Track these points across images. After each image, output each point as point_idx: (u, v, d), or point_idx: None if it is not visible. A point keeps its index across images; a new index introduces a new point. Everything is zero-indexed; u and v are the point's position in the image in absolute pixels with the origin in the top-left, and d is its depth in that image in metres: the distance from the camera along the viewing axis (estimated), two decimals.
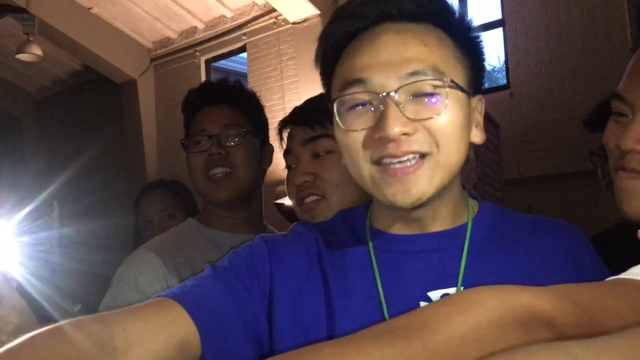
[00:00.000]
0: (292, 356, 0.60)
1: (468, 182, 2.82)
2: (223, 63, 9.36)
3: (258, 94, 1.72)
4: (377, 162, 0.82)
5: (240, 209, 1.58)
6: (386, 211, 0.92)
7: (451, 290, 0.85)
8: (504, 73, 6.81)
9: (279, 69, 7.54)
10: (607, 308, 0.62)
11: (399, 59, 0.81)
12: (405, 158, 0.80)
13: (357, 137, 0.83)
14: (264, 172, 1.68)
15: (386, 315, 0.85)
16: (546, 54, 6.23)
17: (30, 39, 7.52)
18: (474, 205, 0.95)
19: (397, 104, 0.80)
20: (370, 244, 0.92)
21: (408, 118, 0.80)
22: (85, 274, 2.19)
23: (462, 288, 0.84)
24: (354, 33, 0.87)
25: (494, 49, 10.70)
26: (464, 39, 0.87)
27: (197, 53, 8.63)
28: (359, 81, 0.82)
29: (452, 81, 0.81)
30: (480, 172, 4.67)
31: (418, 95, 0.81)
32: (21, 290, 1.21)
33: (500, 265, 0.87)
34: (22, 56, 7.72)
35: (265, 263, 0.93)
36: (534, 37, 6.34)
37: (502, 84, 6.65)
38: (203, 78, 8.69)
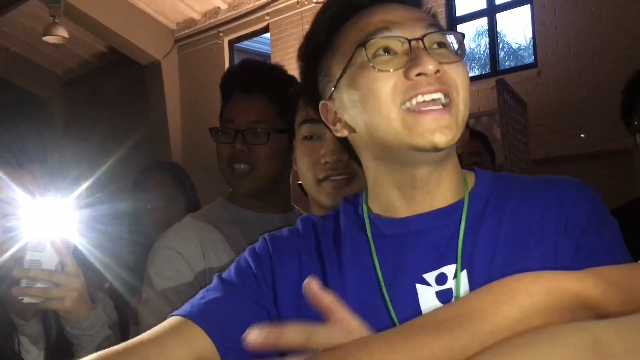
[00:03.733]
0: (340, 350, 0.60)
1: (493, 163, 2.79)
2: (246, 44, 9.35)
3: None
4: (410, 102, 0.83)
5: (266, 196, 1.59)
6: (386, 190, 0.91)
7: (449, 268, 0.84)
8: (531, 51, 6.69)
9: None
10: None
11: (415, 16, 0.88)
12: (437, 96, 0.83)
13: (388, 80, 0.84)
14: (291, 162, 1.68)
15: (388, 302, 0.84)
16: (575, 32, 6.10)
17: (56, 21, 7.59)
18: (469, 180, 0.94)
19: (425, 48, 0.84)
20: (369, 231, 0.91)
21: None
22: (140, 244, 2.26)
23: (461, 265, 0.83)
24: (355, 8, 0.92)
25: (520, 27, 10.52)
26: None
27: (221, 34, 8.64)
28: (385, 29, 0.86)
29: (464, 38, 0.89)
30: (507, 151, 4.61)
31: (440, 44, 0.87)
32: (78, 260, 1.26)
33: (491, 235, 0.85)
34: (48, 38, 7.81)
35: (267, 262, 0.94)
36: (562, 14, 6.21)
37: (529, 62, 6.54)
38: (226, 59, 8.70)
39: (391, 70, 0.84)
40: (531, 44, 6.76)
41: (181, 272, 1.45)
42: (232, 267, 0.96)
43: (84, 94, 10.55)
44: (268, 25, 8.10)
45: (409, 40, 0.84)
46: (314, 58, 0.96)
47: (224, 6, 8.48)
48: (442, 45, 0.87)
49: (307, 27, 1.05)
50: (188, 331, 0.84)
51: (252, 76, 1.60)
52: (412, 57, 0.83)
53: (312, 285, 0.71)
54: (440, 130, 0.82)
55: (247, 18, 8.29)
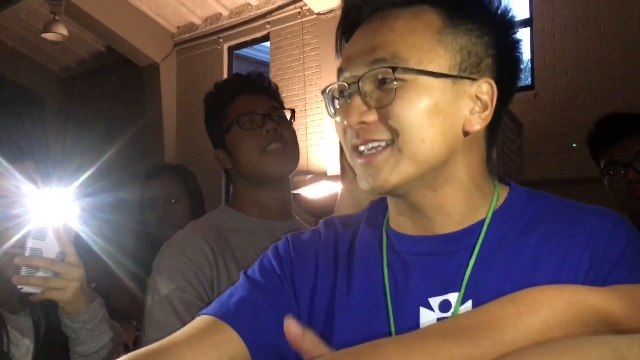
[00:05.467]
0: (357, 351, 0.60)
1: None
2: (246, 51, 9.36)
3: (278, 83, 1.84)
4: (354, 149, 0.84)
5: (279, 191, 1.64)
6: (392, 207, 0.91)
7: (453, 296, 0.80)
8: (529, 73, 6.73)
9: (302, 59, 7.51)
10: None
11: (367, 47, 0.82)
12: (370, 146, 0.81)
13: (338, 127, 0.86)
14: None
15: (390, 318, 0.82)
16: (573, 56, 6.14)
17: (57, 18, 7.58)
18: (501, 195, 0.87)
19: (362, 93, 0.81)
20: (385, 242, 0.89)
21: (368, 106, 0.81)
22: (141, 233, 2.30)
23: (463, 295, 0.79)
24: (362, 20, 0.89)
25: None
26: (465, 17, 0.83)
27: (221, 40, 8.64)
28: (340, 71, 0.85)
29: (409, 68, 0.78)
30: (502, 172, 4.62)
31: (379, 83, 0.81)
32: (79, 249, 1.25)
33: (505, 267, 0.80)
34: (47, 35, 7.79)
35: (289, 263, 0.93)
36: (561, 39, 6.25)
37: (526, 84, 6.57)
38: (225, 65, 8.70)
39: (338, 119, 0.86)
40: (529, 66, 6.79)
41: (189, 281, 1.44)
42: (256, 266, 0.95)
43: (80, 93, 10.53)
44: (268, 33, 8.11)
45: (347, 85, 0.84)
46: None
47: (225, 12, 8.49)
48: (382, 82, 0.80)
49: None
50: (220, 331, 0.84)
51: (249, 80, 1.70)
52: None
53: (291, 326, 0.67)
54: (367, 177, 0.82)
55: (248, 25, 8.29)
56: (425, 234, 0.86)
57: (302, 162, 7.01)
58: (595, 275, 0.76)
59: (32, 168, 1.28)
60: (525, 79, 6.61)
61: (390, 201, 0.91)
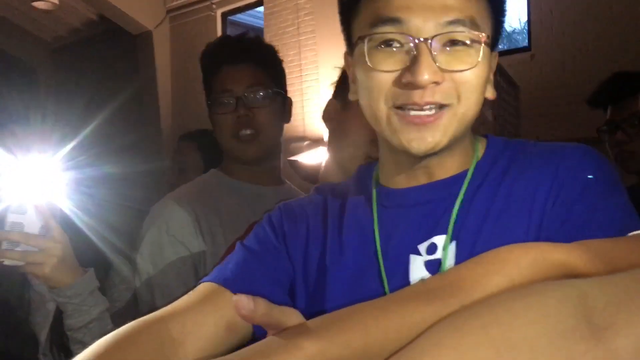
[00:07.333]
0: (335, 316, 0.61)
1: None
2: (239, 17, 9.25)
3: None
4: (398, 107, 0.81)
5: (264, 163, 1.62)
6: (390, 163, 0.92)
7: (440, 239, 0.84)
8: (525, 35, 6.67)
9: (296, 24, 7.43)
10: (632, 264, 0.62)
11: (439, 5, 0.78)
12: (428, 107, 0.80)
13: (382, 78, 0.81)
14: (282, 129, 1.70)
15: (382, 270, 0.85)
16: (570, 16, 6.08)
17: None
18: (480, 148, 0.92)
19: (431, 52, 0.78)
20: (374, 200, 0.92)
21: (439, 67, 0.79)
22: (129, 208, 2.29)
23: (451, 236, 0.83)
24: None
25: (515, 10, 10.48)
26: None
27: (214, 6, 8.53)
28: (394, 20, 0.79)
29: (487, 37, 0.81)
30: (498, 133, 4.62)
31: (453, 45, 0.80)
32: (63, 224, 1.24)
33: (483, 206, 0.84)
34: (38, 4, 7.69)
35: (281, 231, 0.96)
36: None
37: (522, 46, 6.52)
38: (219, 32, 8.60)
39: (387, 70, 0.80)
40: (525, 27, 6.73)
41: (171, 258, 1.45)
42: (252, 236, 0.97)
43: (73, 62, 10.42)
44: None
45: (416, 40, 0.78)
46: (344, 10, 0.91)
47: None
48: (460, 43, 0.80)
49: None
50: (219, 296, 0.86)
51: (238, 47, 1.64)
52: (412, 60, 0.78)
53: (239, 302, 0.59)
54: (419, 140, 0.81)
55: None
56: (421, 184, 0.89)
57: (299, 129, 7.00)
58: (562, 205, 0.79)
59: (10, 138, 1.25)
60: (522, 40, 6.56)
61: (391, 158, 0.92)
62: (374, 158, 1.06)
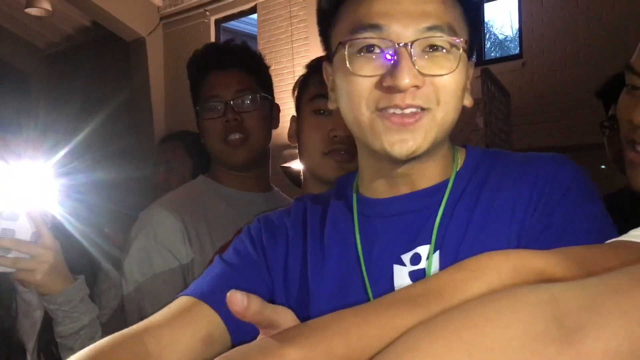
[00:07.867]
0: (316, 324, 0.61)
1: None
2: (233, 24, 9.27)
3: (266, 56, 1.73)
4: (380, 110, 0.82)
5: (252, 169, 1.62)
6: (370, 172, 0.92)
7: (423, 249, 0.84)
8: (517, 43, 6.72)
9: (289, 32, 7.46)
10: (608, 271, 0.64)
11: (418, 11, 0.80)
12: (409, 110, 0.81)
13: (362, 83, 0.82)
14: (270, 135, 1.70)
15: (365, 279, 0.85)
16: (561, 24, 6.14)
17: None
18: (460, 157, 0.93)
19: (411, 56, 0.79)
20: (355, 210, 0.93)
21: (419, 71, 0.80)
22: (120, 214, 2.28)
23: (434, 246, 0.84)
24: None
25: (507, 18, 10.55)
26: (470, 4, 0.87)
27: (207, 13, 8.54)
28: (375, 27, 0.81)
29: (465, 41, 0.82)
30: (489, 141, 4.64)
31: (432, 51, 0.81)
32: (55, 230, 1.23)
33: (465, 215, 0.85)
34: (31, 10, 7.67)
35: (260, 243, 0.96)
36: (549, 6, 6.23)
37: (514, 54, 6.57)
38: (212, 38, 8.62)
39: (367, 75, 0.81)
40: (517, 35, 6.78)
41: (159, 266, 1.46)
42: (230, 248, 0.97)
43: (66, 69, 10.40)
44: (256, 5, 8.03)
45: (396, 45, 0.79)
46: (323, 18, 0.92)
47: None
48: (439, 48, 0.81)
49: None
50: (196, 309, 0.85)
51: (224, 53, 1.64)
52: (392, 65, 0.79)
53: (233, 298, 0.61)
54: (401, 143, 0.81)
55: None
56: (395, 195, 0.90)
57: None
58: (542, 213, 0.82)
59: (1, 145, 1.25)
60: (514, 48, 6.61)
61: (372, 166, 0.92)
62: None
